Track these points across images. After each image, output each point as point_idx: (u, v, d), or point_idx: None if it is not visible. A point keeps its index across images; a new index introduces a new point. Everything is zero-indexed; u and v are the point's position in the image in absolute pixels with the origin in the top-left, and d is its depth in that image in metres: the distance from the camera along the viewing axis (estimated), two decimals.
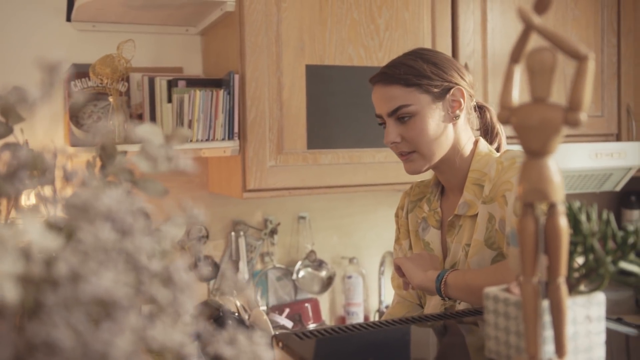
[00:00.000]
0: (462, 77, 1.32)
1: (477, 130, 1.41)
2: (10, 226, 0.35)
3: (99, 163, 0.63)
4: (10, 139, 0.63)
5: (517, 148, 1.36)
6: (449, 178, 1.36)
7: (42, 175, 0.43)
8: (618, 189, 2.36)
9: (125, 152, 0.66)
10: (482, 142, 1.36)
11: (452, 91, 1.30)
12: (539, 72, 0.65)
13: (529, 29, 0.66)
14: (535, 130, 0.65)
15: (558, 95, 0.67)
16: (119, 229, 0.39)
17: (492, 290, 0.79)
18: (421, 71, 1.28)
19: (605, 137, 2.33)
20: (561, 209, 0.65)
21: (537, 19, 0.66)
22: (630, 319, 1.13)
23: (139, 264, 0.39)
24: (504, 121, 0.68)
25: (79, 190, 0.42)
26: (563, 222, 0.65)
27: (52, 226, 0.36)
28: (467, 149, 1.34)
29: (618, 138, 2.36)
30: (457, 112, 1.31)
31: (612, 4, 2.34)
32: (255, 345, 0.44)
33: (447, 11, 2.08)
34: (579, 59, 0.64)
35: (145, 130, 0.61)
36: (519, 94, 0.69)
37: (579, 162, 2.15)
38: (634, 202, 2.74)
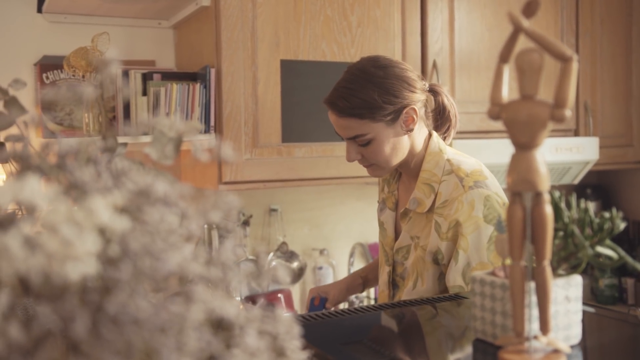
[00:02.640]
0: (413, 92, 1.35)
1: (432, 111, 1.45)
2: (84, 210, 0.38)
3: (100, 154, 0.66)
4: (13, 130, 0.65)
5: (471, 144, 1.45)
6: (405, 171, 1.46)
7: (91, 164, 0.46)
8: (576, 182, 2.48)
9: (125, 144, 0.69)
10: (434, 140, 1.41)
11: (404, 111, 1.34)
12: (528, 71, 0.71)
13: (517, 31, 0.72)
14: (524, 125, 0.71)
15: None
16: (175, 212, 0.43)
17: (478, 274, 0.85)
18: (373, 103, 1.31)
19: (564, 132, 2.44)
20: (547, 197, 0.71)
21: (525, 22, 0.71)
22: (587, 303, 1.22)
23: (192, 244, 0.43)
24: (494, 117, 0.74)
25: (131, 177, 0.45)
26: (549, 209, 0.71)
27: (119, 209, 0.40)
28: (421, 148, 1.41)
29: (576, 133, 2.48)
30: (411, 126, 1.36)
31: (570, 6, 2.45)
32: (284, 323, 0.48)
33: (417, 10, 2.14)
34: (564, 60, 0.70)
35: (161, 121, 0.64)
36: (507, 92, 0.74)
37: None
38: (590, 195, 2.87)
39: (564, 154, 2.28)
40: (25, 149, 0.52)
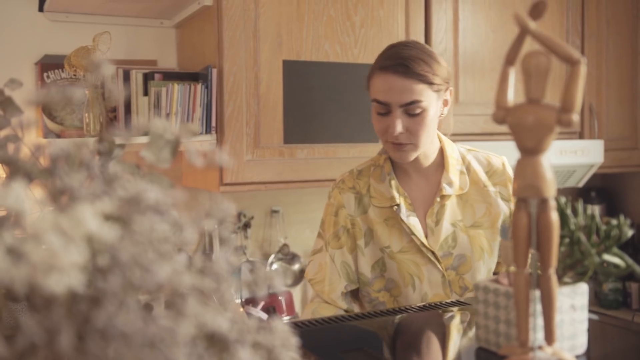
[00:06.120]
0: (449, 79, 1.41)
1: None
2: (71, 218, 0.36)
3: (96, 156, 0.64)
4: (7, 131, 0.64)
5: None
6: (422, 162, 1.43)
7: (83, 168, 0.45)
8: (581, 184, 2.45)
9: (122, 146, 0.67)
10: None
11: (447, 91, 1.40)
12: (534, 74, 0.69)
13: (524, 33, 0.70)
14: (530, 130, 0.69)
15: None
16: (167, 220, 0.41)
17: (482, 281, 0.83)
18: (435, 71, 1.34)
19: (569, 135, 2.42)
20: (553, 204, 0.69)
21: (532, 24, 0.69)
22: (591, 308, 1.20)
23: (186, 254, 0.41)
24: (499, 121, 0.72)
25: (122, 183, 0.43)
26: (555, 216, 0.69)
27: (108, 217, 0.38)
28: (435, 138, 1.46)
29: (581, 136, 2.45)
30: (445, 109, 1.41)
31: (576, 7, 2.43)
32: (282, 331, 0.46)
33: (421, 10, 2.12)
34: (572, 63, 0.68)
35: (156, 124, 0.62)
36: (513, 95, 0.72)
37: None
38: (594, 198, 2.85)
39: (569, 157, 2.26)
40: (15, 152, 0.50)
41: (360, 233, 1.43)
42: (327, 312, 1.41)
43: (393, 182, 1.43)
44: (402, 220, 1.38)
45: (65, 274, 0.34)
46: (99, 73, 0.48)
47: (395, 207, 1.40)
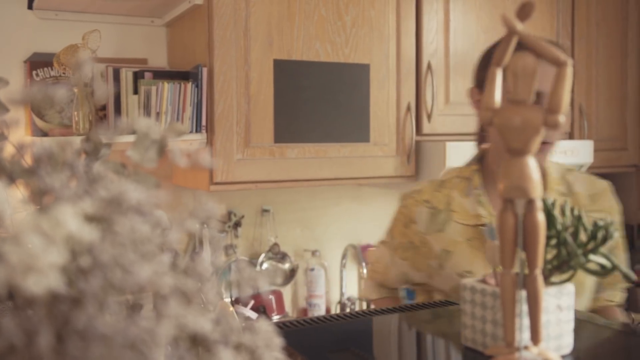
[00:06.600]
0: None
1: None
2: (51, 219, 0.36)
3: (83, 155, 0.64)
4: None
5: None
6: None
7: (66, 168, 0.45)
8: None
9: (109, 145, 0.66)
10: None
11: None
12: (522, 76, 0.69)
13: (511, 34, 0.70)
14: (517, 131, 0.69)
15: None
16: (149, 221, 0.41)
17: (469, 281, 0.83)
18: None
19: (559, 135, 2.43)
20: (539, 204, 0.69)
21: (519, 26, 0.69)
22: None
23: (167, 255, 0.41)
24: (486, 122, 0.72)
25: (105, 184, 0.43)
26: (541, 217, 0.69)
27: (89, 218, 0.38)
28: None
29: (571, 136, 2.46)
30: None
31: (566, 9, 2.44)
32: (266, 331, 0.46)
33: (412, 10, 2.12)
34: (559, 64, 0.68)
35: (142, 123, 0.62)
36: (500, 96, 0.72)
37: None
38: None
39: (559, 157, 2.27)
40: None
41: (431, 253, 1.28)
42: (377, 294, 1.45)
43: (482, 199, 1.26)
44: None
45: (44, 275, 0.34)
46: (85, 71, 0.47)
47: (482, 227, 1.24)
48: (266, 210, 2.34)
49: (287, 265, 2.36)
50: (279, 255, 2.34)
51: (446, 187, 1.31)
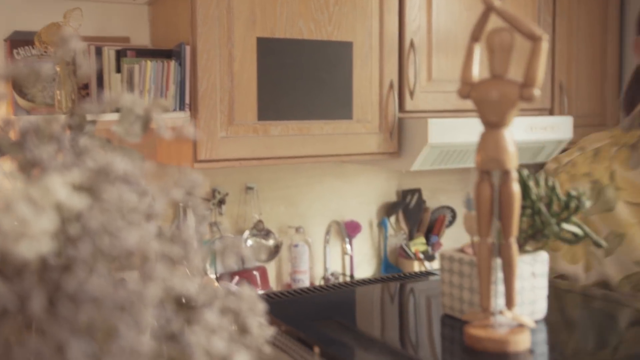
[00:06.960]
0: None
1: None
2: (41, 188, 0.38)
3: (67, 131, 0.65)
4: None
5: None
6: None
7: (53, 142, 0.46)
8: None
9: (94, 121, 0.68)
10: None
11: None
12: (498, 50, 0.71)
13: (489, 10, 0.72)
14: (494, 104, 0.71)
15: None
16: (136, 190, 0.43)
17: (447, 250, 0.86)
18: None
19: (539, 111, 2.46)
20: (514, 175, 0.72)
21: (496, 1, 0.71)
22: None
23: (154, 223, 0.42)
24: (464, 96, 0.74)
25: (92, 155, 0.45)
26: (516, 187, 0.71)
27: (77, 187, 0.39)
28: None
29: (551, 112, 2.50)
30: None
31: None
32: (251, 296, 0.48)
33: None
34: (534, 39, 0.70)
35: (126, 99, 0.63)
36: (478, 71, 0.74)
37: (516, 134, 2.25)
38: None
39: (538, 133, 2.30)
40: None
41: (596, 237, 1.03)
42: None
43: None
44: None
45: (36, 241, 0.35)
46: (68, 48, 0.48)
47: None
48: (250, 188, 2.36)
49: (271, 242, 2.38)
50: (263, 232, 2.36)
51: (603, 157, 1.06)
